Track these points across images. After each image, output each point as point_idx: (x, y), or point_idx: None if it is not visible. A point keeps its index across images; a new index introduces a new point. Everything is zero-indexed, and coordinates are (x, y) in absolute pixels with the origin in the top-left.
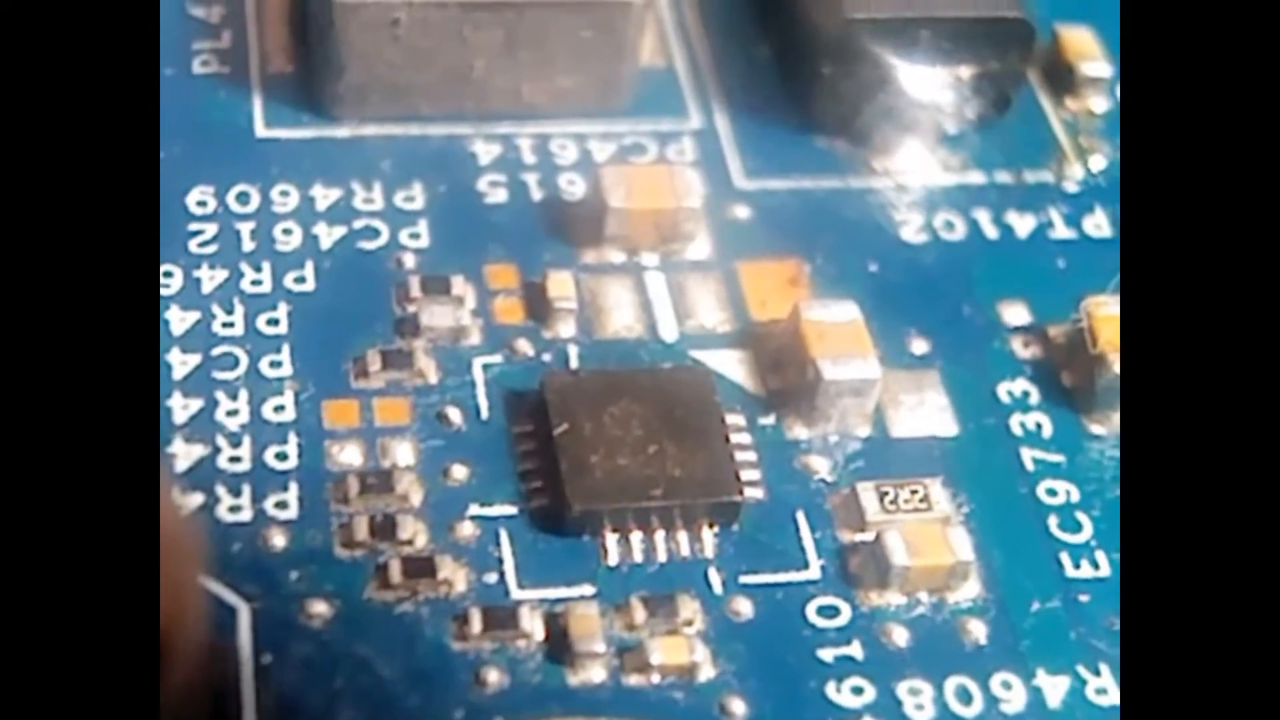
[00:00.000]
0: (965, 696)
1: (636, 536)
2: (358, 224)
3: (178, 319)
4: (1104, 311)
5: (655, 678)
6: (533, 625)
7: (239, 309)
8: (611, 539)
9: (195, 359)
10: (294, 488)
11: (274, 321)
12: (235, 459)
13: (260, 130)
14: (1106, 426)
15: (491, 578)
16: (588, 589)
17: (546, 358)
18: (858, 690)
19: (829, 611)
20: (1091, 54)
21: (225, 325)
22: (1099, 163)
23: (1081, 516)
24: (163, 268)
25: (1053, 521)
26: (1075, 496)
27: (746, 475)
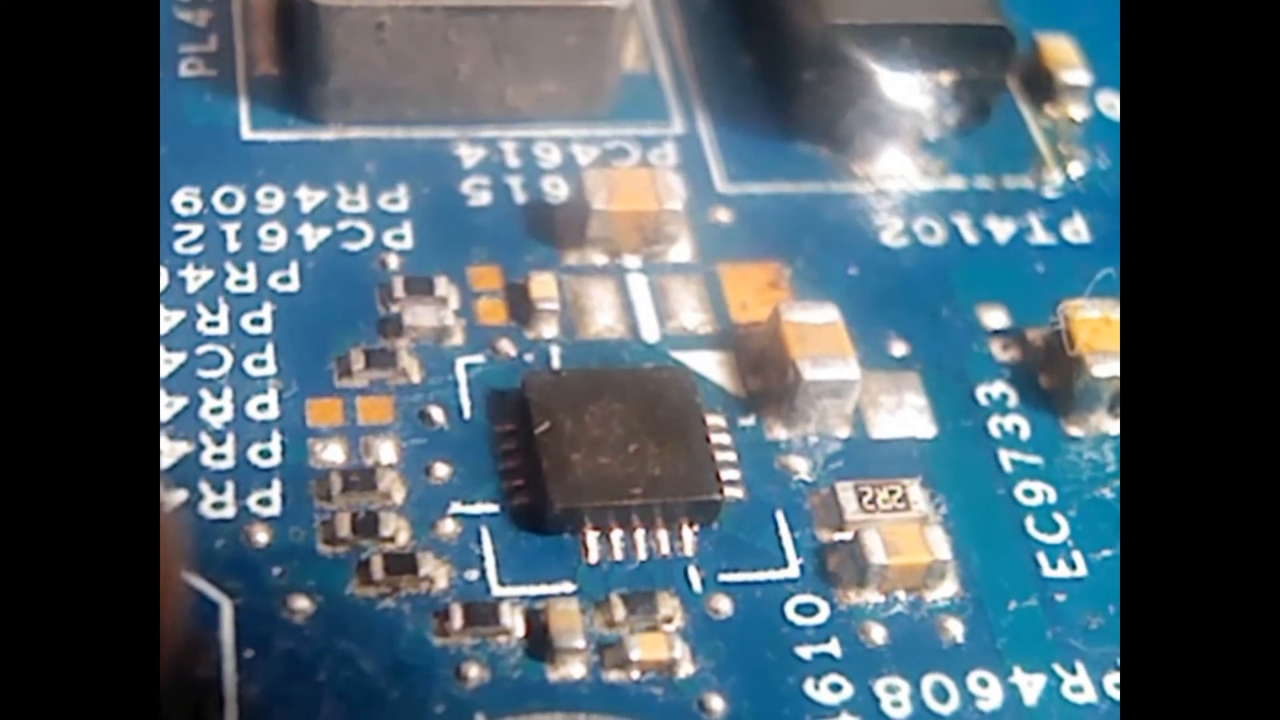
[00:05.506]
0: (942, 694)
1: (617, 534)
2: (342, 225)
3: (163, 318)
4: (1081, 315)
5: (635, 674)
6: (513, 621)
7: (224, 308)
8: (592, 537)
9: (180, 357)
10: (277, 485)
11: (259, 321)
12: (219, 456)
13: (246, 132)
14: (1084, 429)
15: (473, 574)
16: (568, 586)
17: (529, 358)
18: (836, 687)
19: (807, 609)
20: (1071, 62)
21: (210, 324)
22: (1077, 169)
23: (1058, 517)
24: None
25: (1030, 522)
26: (1052, 497)
27: (726, 475)
